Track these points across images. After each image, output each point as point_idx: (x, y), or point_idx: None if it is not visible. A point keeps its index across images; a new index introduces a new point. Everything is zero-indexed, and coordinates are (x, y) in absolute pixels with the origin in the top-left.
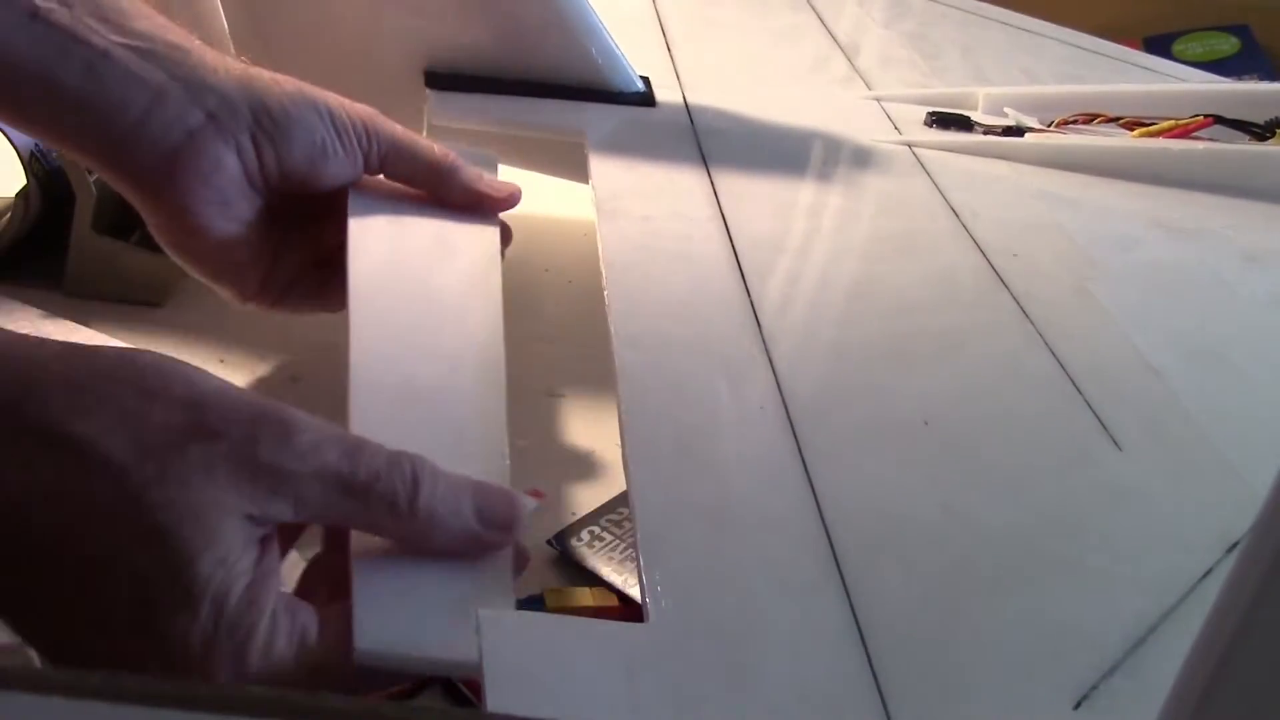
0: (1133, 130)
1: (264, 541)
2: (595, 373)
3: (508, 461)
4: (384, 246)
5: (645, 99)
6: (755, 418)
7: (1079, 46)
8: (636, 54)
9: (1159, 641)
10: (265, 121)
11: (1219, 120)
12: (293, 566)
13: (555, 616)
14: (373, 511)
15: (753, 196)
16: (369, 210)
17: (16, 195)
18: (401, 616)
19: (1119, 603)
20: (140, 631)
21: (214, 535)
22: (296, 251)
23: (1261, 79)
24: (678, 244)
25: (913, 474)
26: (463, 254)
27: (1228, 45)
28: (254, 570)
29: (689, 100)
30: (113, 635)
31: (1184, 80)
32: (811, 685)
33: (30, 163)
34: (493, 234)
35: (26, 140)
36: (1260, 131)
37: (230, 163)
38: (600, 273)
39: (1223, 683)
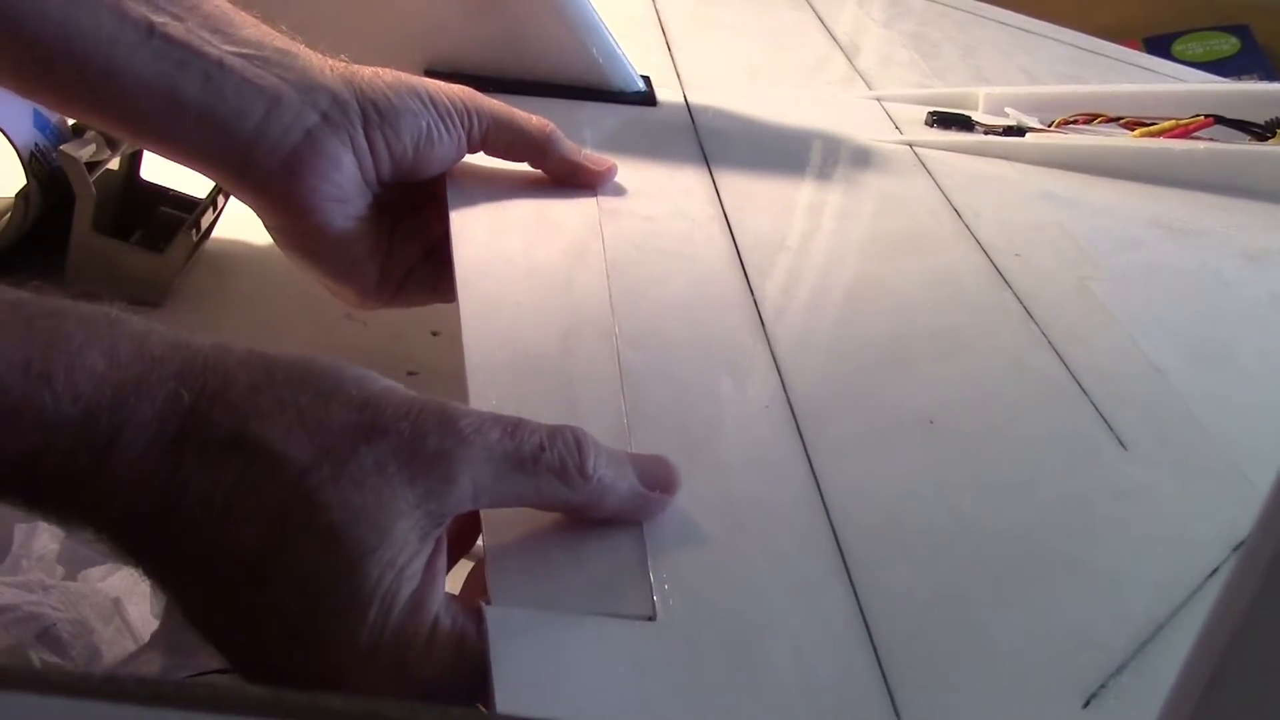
0: (1133, 130)
1: (436, 542)
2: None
3: (626, 421)
4: (486, 230)
5: (646, 98)
6: (760, 417)
7: (1079, 46)
8: (637, 54)
9: (1166, 641)
10: (373, 114)
11: (1219, 120)
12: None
13: (564, 615)
14: (544, 484)
15: (755, 196)
16: (469, 199)
17: (16, 195)
18: (535, 579)
19: (1126, 602)
20: (308, 632)
21: (385, 536)
22: (408, 242)
23: (1261, 79)
24: (680, 244)
25: (919, 473)
26: (564, 228)
27: (1228, 45)
28: (422, 574)
29: (690, 100)
30: (283, 635)
31: (1184, 80)
32: (819, 684)
33: (30, 163)
34: (591, 205)
35: (26, 140)
36: (1260, 131)
37: (347, 159)
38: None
39: (1223, 682)
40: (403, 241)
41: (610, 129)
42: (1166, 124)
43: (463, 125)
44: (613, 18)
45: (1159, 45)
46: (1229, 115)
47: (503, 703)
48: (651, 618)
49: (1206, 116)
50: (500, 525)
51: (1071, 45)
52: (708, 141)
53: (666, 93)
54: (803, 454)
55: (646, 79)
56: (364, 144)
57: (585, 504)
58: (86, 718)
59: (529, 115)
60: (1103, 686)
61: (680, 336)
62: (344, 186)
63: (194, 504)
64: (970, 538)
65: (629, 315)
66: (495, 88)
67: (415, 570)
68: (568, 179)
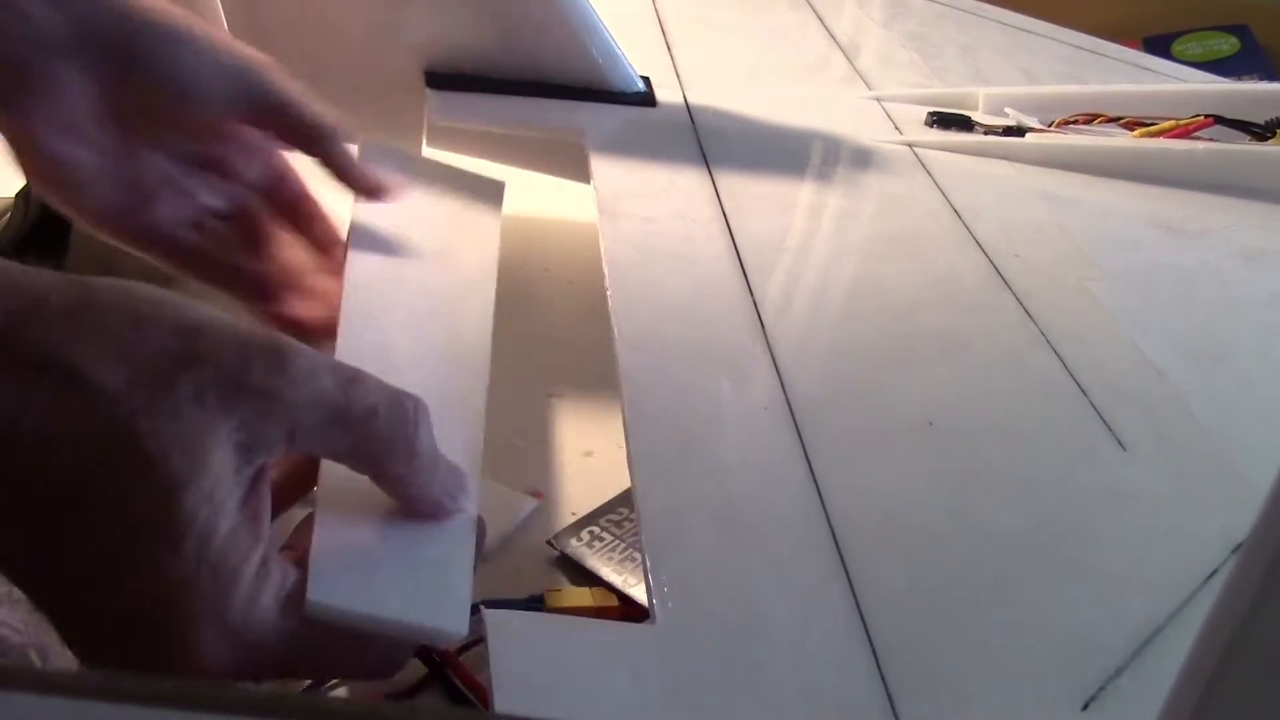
0: (1133, 130)
1: (254, 482)
2: (595, 373)
3: (479, 460)
4: (384, 248)
5: (646, 99)
6: (759, 418)
7: (1079, 46)
8: (637, 54)
9: (1165, 642)
10: (124, 49)
11: (1219, 120)
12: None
13: (562, 618)
14: (368, 446)
15: (754, 197)
16: (373, 215)
17: (16, 195)
18: (360, 575)
19: (1125, 604)
20: (118, 562)
21: (202, 468)
22: (168, 187)
23: (1261, 79)
24: (679, 244)
25: (918, 475)
26: (461, 257)
27: (1228, 45)
28: (241, 511)
29: (689, 100)
30: (96, 564)
31: (1184, 80)
32: (818, 686)
33: None
34: (493, 237)
35: None
36: (1260, 131)
37: (76, 89)
38: (600, 273)
39: (1223, 683)
40: (162, 184)
41: (610, 129)
42: (1166, 124)
43: (234, 86)
44: (613, 18)
45: (1159, 45)
46: (1229, 115)
47: (502, 703)
48: (461, 634)
49: (1206, 116)
50: (334, 499)
51: (1071, 45)
52: (707, 141)
53: (666, 93)
54: (802, 455)
55: (646, 79)
56: (105, 77)
57: (395, 478)
58: (86, 718)
59: (322, 109)
60: (1102, 688)
61: (680, 337)
62: (72, 115)
63: (3, 428)
64: (969, 538)
65: (628, 316)
66: (495, 88)
67: (233, 506)
68: (339, 176)
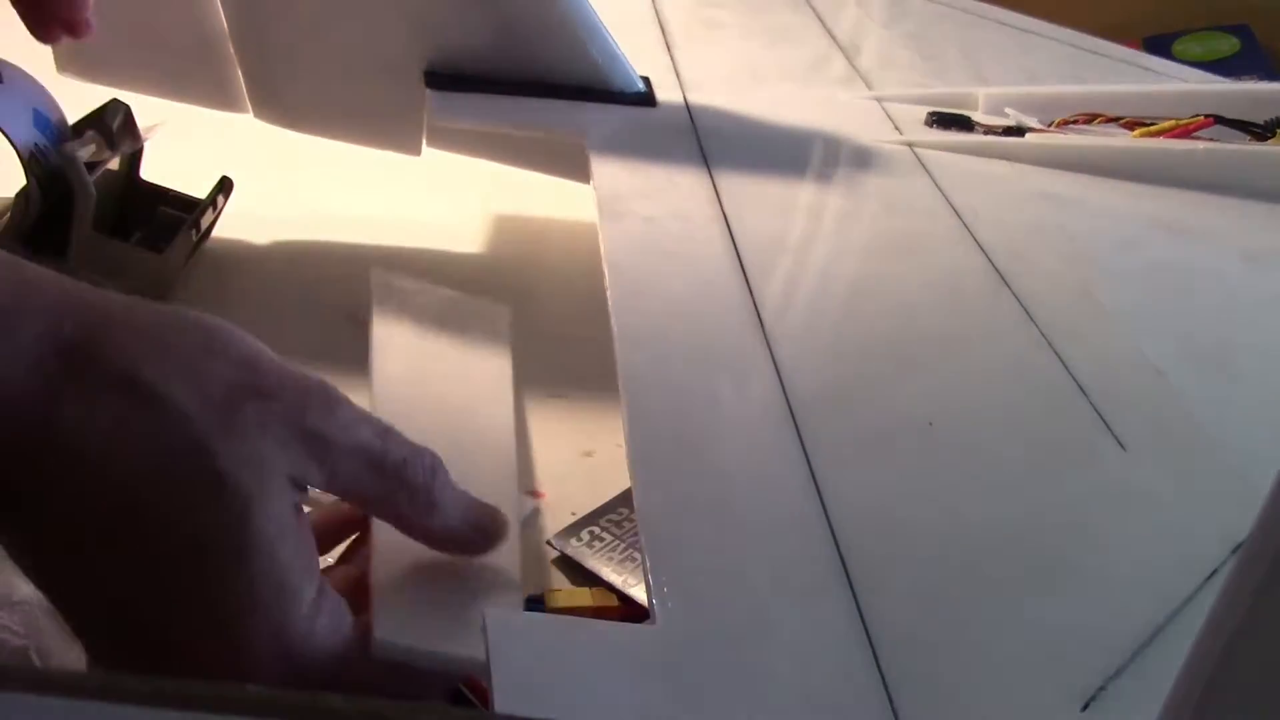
0: (1133, 130)
1: (298, 511)
2: (595, 373)
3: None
4: (404, 365)
5: (646, 99)
6: (759, 418)
7: (1079, 46)
8: (636, 54)
9: (1165, 643)
10: None
11: (1219, 120)
12: None
13: (562, 618)
14: (394, 492)
15: (754, 197)
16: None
17: (16, 195)
18: (419, 614)
19: (1125, 604)
20: (184, 580)
21: (269, 490)
22: None
23: (1261, 79)
24: (680, 245)
25: (918, 475)
26: (476, 371)
27: (1228, 45)
28: (300, 534)
29: (690, 100)
30: (156, 585)
31: (1184, 80)
32: (818, 687)
33: (30, 163)
34: (505, 356)
35: (26, 140)
36: (1260, 131)
37: None
38: (601, 273)
39: (1223, 684)
40: None
41: (610, 129)
42: (1166, 124)
43: None
44: (612, 18)
45: (1159, 45)
46: (1229, 115)
47: (502, 703)
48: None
49: (1206, 116)
50: (388, 537)
51: (1071, 45)
52: (707, 142)
53: (666, 93)
54: (802, 455)
55: (646, 79)
56: None
57: (419, 525)
58: (86, 718)
59: None
60: (1102, 689)
61: (680, 337)
62: None
63: (75, 440)
64: (969, 539)
65: (629, 316)
66: (495, 88)
67: (293, 529)
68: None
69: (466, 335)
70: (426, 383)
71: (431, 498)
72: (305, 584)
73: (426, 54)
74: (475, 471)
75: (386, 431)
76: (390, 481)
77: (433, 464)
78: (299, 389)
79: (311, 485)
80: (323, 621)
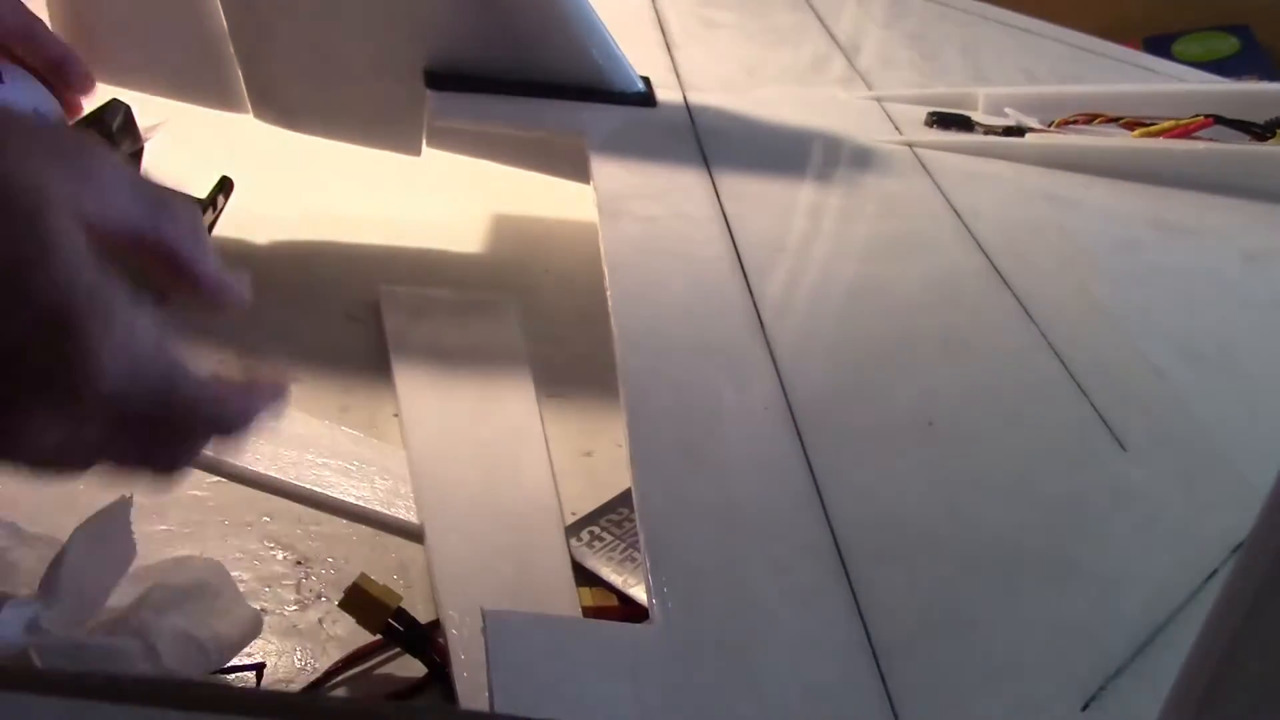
0: (1133, 130)
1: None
2: (595, 373)
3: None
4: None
5: (646, 99)
6: (759, 418)
7: (1079, 46)
8: (636, 54)
9: (1165, 642)
10: None
11: (1219, 120)
12: None
13: (562, 618)
14: (162, 224)
15: (754, 197)
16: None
17: None
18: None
19: (1125, 604)
20: (8, 290)
21: (50, 200)
22: None
23: (1261, 79)
24: (680, 244)
25: (918, 475)
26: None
27: (1228, 45)
28: (90, 244)
29: (689, 100)
30: None
31: (1184, 80)
32: (818, 686)
33: None
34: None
35: None
36: (1260, 131)
37: None
38: (601, 273)
39: (1223, 684)
40: None
41: (610, 129)
42: (1166, 124)
43: None
44: (613, 18)
45: (1159, 45)
46: (1229, 115)
47: (502, 703)
48: None
49: (1206, 116)
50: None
51: (1071, 45)
52: (707, 142)
53: (666, 93)
54: (802, 455)
55: (646, 79)
56: None
57: (188, 263)
58: (86, 718)
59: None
60: (1102, 689)
61: (680, 337)
62: None
63: None
64: (969, 539)
65: (629, 315)
66: (495, 88)
67: (82, 236)
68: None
69: (479, 333)
70: (449, 387)
71: (198, 233)
72: (116, 282)
73: (426, 54)
74: (515, 488)
75: (146, 174)
76: (160, 212)
77: (193, 205)
78: (51, 125)
79: (88, 217)
80: (145, 315)
